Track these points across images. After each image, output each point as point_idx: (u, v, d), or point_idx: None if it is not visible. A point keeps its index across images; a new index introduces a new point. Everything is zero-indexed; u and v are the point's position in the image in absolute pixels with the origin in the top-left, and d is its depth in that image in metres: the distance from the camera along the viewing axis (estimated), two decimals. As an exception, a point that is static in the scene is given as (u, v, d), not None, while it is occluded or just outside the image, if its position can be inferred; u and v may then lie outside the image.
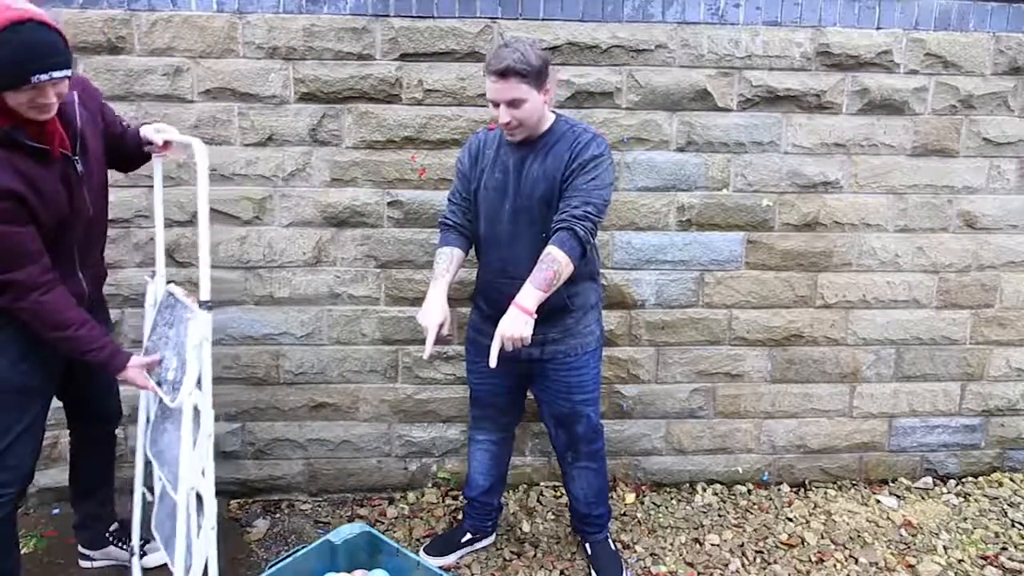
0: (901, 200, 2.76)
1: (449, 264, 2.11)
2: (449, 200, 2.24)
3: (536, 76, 1.89)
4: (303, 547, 1.71)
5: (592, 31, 2.52)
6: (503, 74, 1.86)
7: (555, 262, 1.90)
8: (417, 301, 2.68)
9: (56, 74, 1.51)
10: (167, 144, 2.01)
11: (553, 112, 2.08)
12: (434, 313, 2.01)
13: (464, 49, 2.51)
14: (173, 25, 2.42)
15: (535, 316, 1.88)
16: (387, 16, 2.48)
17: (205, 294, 1.76)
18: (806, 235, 2.75)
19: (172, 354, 1.86)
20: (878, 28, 2.61)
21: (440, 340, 2.01)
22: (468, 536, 2.48)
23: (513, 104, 1.90)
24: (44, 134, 1.64)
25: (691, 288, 2.76)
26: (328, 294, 2.67)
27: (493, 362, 1.88)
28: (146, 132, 2.00)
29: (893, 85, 2.65)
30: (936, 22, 2.63)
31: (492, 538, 2.55)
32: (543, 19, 2.52)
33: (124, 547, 2.30)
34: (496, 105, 1.93)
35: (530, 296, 1.88)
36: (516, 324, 1.85)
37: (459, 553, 2.46)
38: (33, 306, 1.70)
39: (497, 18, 2.50)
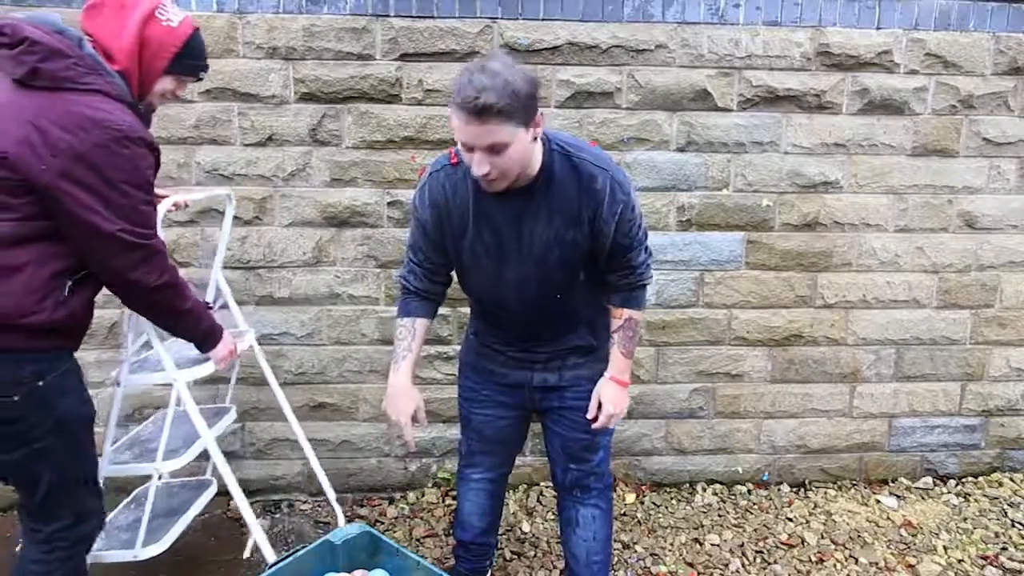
0: (901, 200, 2.76)
1: (411, 341, 1.81)
2: (409, 258, 1.82)
3: (523, 111, 1.43)
4: (303, 547, 1.70)
5: (592, 31, 2.52)
6: (478, 113, 1.38)
7: (637, 325, 1.81)
8: (417, 301, 2.69)
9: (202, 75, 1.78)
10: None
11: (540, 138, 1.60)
12: (403, 403, 1.77)
13: (464, 49, 2.50)
14: (173, 25, 2.42)
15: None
16: (387, 16, 2.48)
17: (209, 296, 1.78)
18: (806, 235, 2.75)
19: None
20: (878, 28, 2.61)
21: (415, 421, 1.80)
22: None
23: (493, 150, 1.44)
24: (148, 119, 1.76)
25: (691, 288, 2.76)
26: (328, 294, 2.67)
27: (600, 424, 1.77)
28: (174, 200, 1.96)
29: (893, 85, 2.65)
30: (936, 22, 2.63)
31: (489, 574, 2.21)
32: (543, 19, 2.52)
33: None
34: (469, 149, 1.47)
35: (625, 369, 1.79)
36: (621, 398, 1.77)
37: None
38: (173, 274, 1.65)
39: (497, 18, 2.50)
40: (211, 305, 2.17)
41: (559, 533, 2.13)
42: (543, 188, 1.60)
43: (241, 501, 2.06)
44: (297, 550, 1.68)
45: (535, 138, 1.53)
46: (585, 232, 1.63)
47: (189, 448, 2.03)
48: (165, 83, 1.65)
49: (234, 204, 2.33)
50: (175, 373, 1.92)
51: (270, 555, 2.05)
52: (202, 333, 1.83)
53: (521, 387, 1.88)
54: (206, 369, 1.95)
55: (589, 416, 1.78)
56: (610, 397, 1.76)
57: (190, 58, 1.66)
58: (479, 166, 1.47)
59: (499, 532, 2.34)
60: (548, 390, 1.86)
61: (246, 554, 2.43)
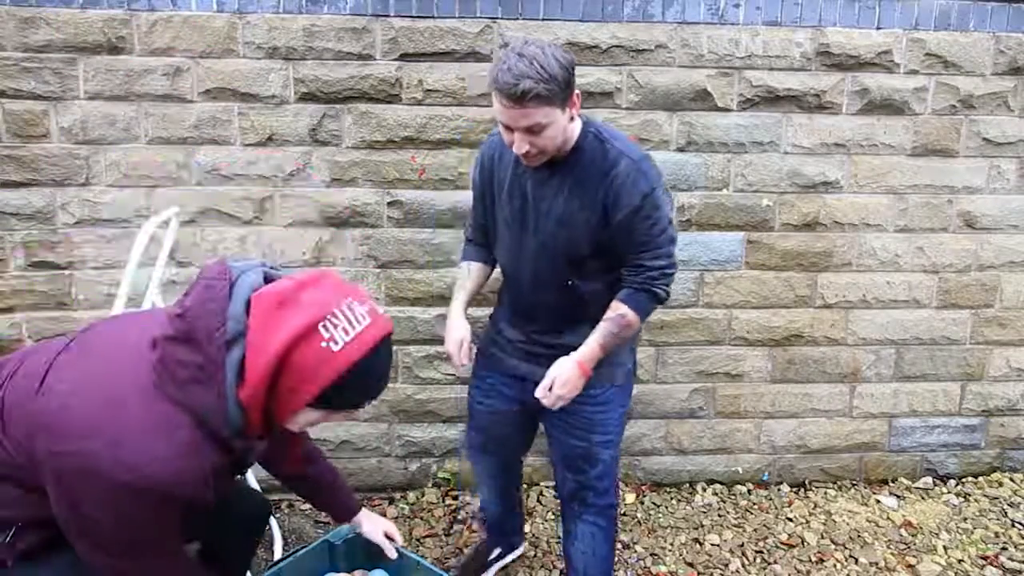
0: (901, 200, 2.76)
1: (466, 280, 1.94)
2: (471, 211, 1.99)
3: (561, 93, 1.50)
4: (303, 547, 1.70)
5: (592, 31, 2.52)
6: (518, 99, 1.45)
7: (627, 327, 1.70)
8: (417, 301, 2.69)
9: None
10: None
11: (579, 116, 1.67)
12: (452, 333, 1.86)
13: (464, 49, 2.50)
14: (173, 25, 2.42)
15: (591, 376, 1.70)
16: (387, 16, 2.48)
17: None
18: (806, 235, 2.75)
19: None
20: (878, 28, 2.61)
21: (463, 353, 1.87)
22: (497, 551, 2.31)
23: (532, 131, 1.52)
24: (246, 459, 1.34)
25: (691, 288, 2.76)
26: (328, 294, 2.67)
27: (541, 395, 1.68)
28: None
29: (893, 85, 2.65)
30: (936, 22, 2.63)
31: (523, 548, 2.40)
32: (543, 19, 2.51)
33: None
34: (509, 129, 1.55)
35: (592, 354, 1.69)
36: (573, 381, 1.67)
37: (492, 570, 2.32)
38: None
39: (497, 18, 2.50)
40: None
41: (560, 536, 2.14)
42: (570, 166, 1.66)
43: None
44: (297, 550, 1.68)
45: (571, 118, 1.60)
46: (598, 216, 1.64)
47: None
48: (309, 416, 1.18)
49: (178, 222, 2.31)
50: None
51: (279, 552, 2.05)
52: None
53: (524, 382, 1.87)
54: None
55: (539, 394, 1.69)
56: (564, 379, 1.67)
57: (349, 392, 1.16)
58: (519, 145, 1.55)
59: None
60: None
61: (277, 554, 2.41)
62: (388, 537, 1.74)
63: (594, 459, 1.88)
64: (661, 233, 1.67)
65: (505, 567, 2.43)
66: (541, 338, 1.85)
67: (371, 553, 1.74)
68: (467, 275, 1.95)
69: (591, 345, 1.70)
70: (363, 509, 1.78)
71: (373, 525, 1.75)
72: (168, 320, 1.12)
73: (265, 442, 1.29)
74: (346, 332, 1.10)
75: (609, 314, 1.72)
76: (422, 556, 2.47)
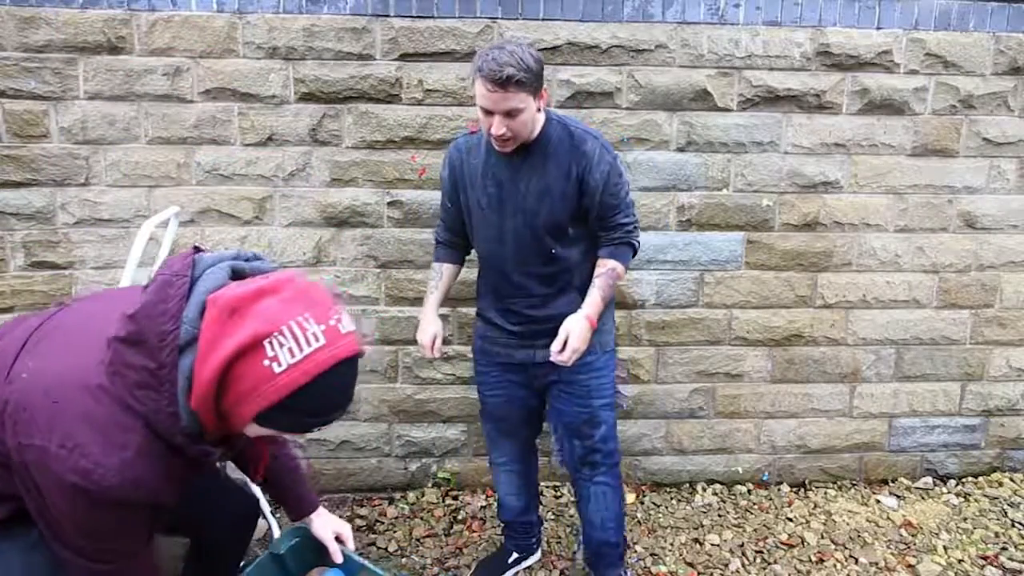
0: (901, 200, 2.76)
1: (438, 282, 2.13)
2: (439, 215, 2.18)
3: (535, 82, 1.77)
4: (247, 564, 1.64)
5: (592, 31, 2.52)
6: (502, 83, 1.70)
7: (618, 277, 1.95)
8: (417, 301, 2.69)
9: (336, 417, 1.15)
10: None
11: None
12: (425, 330, 2.06)
13: (464, 49, 2.50)
14: (173, 25, 2.42)
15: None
16: (387, 16, 2.48)
17: None
18: (806, 235, 2.75)
19: None
20: (878, 28, 2.61)
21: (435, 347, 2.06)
22: (515, 556, 2.36)
23: (510, 114, 1.75)
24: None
25: (691, 288, 2.76)
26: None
27: (556, 356, 1.83)
28: None
29: (893, 85, 2.65)
30: (936, 22, 2.63)
31: (539, 554, 2.43)
32: (543, 19, 2.52)
33: None
34: (489, 113, 1.78)
35: (596, 307, 1.89)
36: (585, 334, 1.84)
37: (509, 575, 2.35)
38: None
39: (497, 18, 2.50)
40: None
41: (575, 506, 2.31)
42: (542, 148, 1.89)
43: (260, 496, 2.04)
44: (243, 568, 1.61)
45: (539, 109, 1.84)
46: (574, 186, 1.88)
47: None
48: (259, 430, 1.10)
49: (178, 222, 2.35)
50: None
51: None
52: None
53: (525, 366, 2.06)
54: None
55: (554, 349, 1.83)
56: (578, 333, 1.84)
57: (293, 417, 1.06)
58: (497, 127, 1.76)
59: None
60: (548, 366, 1.97)
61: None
62: (339, 540, 1.64)
63: (597, 422, 2.07)
64: (627, 195, 1.96)
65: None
66: (532, 312, 1.99)
67: (320, 556, 1.67)
68: (439, 276, 2.14)
69: (593, 298, 1.90)
70: (319, 507, 1.67)
71: (324, 524, 1.64)
72: (120, 320, 1.07)
73: (228, 447, 1.23)
74: (292, 353, 1.00)
75: (600, 270, 1.94)
76: (422, 556, 2.47)
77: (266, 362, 1.00)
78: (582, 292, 1.94)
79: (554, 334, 1.85)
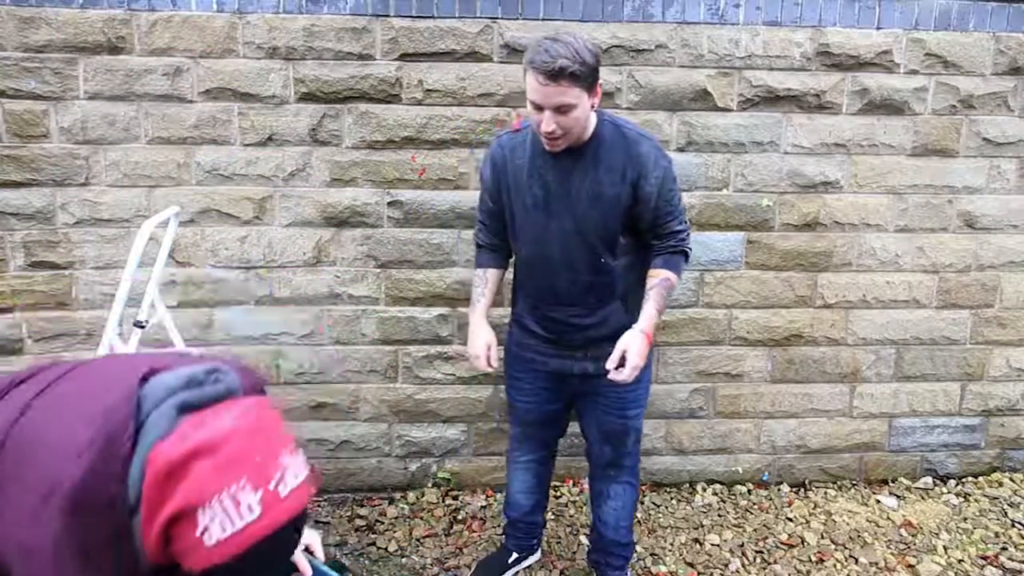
0: (901, 200, 2.76)
1: (484, 288, 2.04)
2: (477, 217, 2.09)
3: (590, 77, 1.64)
4: None
5: (592, 31, 2.52)
6: (554, 76, 1.58)
7: (672, 288, 1.89)
8: (417, 301, 2.69)
9: None
10: None
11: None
12: (476, 340, 1.98)
13: (464, 49, 2.50)
14: (173, 25, 2.42)
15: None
16: (387, 16, 2.48)
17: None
18: (806, 235, 2.75)
19: None
20: (878, 28, 2.61)
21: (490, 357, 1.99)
22: (515, 556, 2.34)
23: (561, 110, 1.64)
24: None
25: (691, 288, 2.76)
26: (328, 294, 2.67)
27: (615, 374, 1.78)
28: None
29: (893, 85, 2.65)
30: (936, 22, 2.63)
31: (539, 554, 2.42)
32: (543, 19, 2.51)
33: None
34: (539, 108, 1.66)
35: (652, 322, 1.84)
36: (643, 351, 1.79)
37: (509, 574, 2.34)
38: None
39: (497, 18, 2.50)
40: (144, 323, 2.13)
41: (588, 503, 2.30)
42: (593, 150, 1.79)
43: None
44: None
45: (593, 106, 1.73)
46: (628, 191, 1.79)
47: None
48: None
49: (178, 222, 2.35)
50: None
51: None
52: None
53: (562, 376, 2.02)
54: None
55: (611, 366, 1.78)
56: (636, 349, 1.80)
57: (237, 571, 1.06)
58: (547, 124, 1.66)
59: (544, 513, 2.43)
60: (587, 378, 1.98)
61: None
62: (308, 551, 1.56)
63: (630, 431, 2.08)
64: (680, 201, 1.89)
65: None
66: (574, 321, 1.92)
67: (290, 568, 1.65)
68: (484, 282, 2.05)
69: (649, 311, 1.84)
70: None
71: None
72: (72, 479, 1.00)
73: None
74: (223, 528, 0.97)
75: (653, 280, 1.88)
76: (422, 556, 2.47)
77: (198, 532, 0.97)
78: (624, 302, 1.89)
79: (593, 344, 1.83)
